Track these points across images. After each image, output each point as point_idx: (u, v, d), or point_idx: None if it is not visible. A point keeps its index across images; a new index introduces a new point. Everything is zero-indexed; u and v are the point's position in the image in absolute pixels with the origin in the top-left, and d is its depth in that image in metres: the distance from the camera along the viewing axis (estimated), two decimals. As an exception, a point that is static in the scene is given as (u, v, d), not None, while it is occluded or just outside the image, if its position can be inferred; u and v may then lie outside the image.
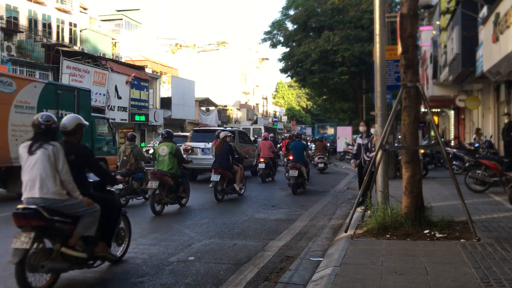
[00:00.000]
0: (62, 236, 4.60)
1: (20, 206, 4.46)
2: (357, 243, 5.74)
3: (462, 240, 5.66)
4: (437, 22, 20.07)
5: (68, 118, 5.04)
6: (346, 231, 6.36)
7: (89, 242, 4.82)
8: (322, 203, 10.59)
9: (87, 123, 5.29)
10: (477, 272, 4.43)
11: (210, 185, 10.73)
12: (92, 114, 14.85)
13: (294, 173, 12.17)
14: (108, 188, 5.48)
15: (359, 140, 9.81)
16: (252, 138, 21.57)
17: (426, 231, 6.01)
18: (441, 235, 5.87)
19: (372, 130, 9.99)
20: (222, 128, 18.16)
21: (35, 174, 4.47)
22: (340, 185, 14.75)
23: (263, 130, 25.73)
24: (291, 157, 13.56)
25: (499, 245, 5.41)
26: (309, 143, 27.30)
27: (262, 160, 15.29)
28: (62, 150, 4.59)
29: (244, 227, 7.69)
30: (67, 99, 12.66)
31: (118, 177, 5.69)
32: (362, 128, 9.78)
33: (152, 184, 8.89)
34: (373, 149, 8.99)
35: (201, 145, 15.28)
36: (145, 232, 7.25)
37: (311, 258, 5.64)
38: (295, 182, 12.22)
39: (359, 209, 7.58)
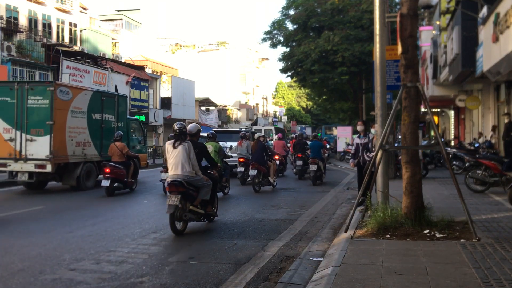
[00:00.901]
0: (191, 199, 7.24)
1: (168, 179, 7.14)
2: (357, 243, 5.74)
3: (462, 240, 5.66)
4: (437, 22, 20.06)
5: (192, 126, 7.88)
6: (346, 231, 6.36)
7: (204, 204, 7.57)
8: (322, 203, 10.59)
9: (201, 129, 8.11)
10: (477, 272, 4.43)
11: (249, 179, 12.79)
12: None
13: (313, 167, 14.40)
14: (209, 172, 8.01)
15: (357, 140, 9.82)
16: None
17: (426, 231, 6.01)
18: (441, 235, 5.87)
19: (372, 130, 9.99)
20: (244, 129, 20.09)
21: (178, 160, 7.15)
22: (340, 185, 14.74)
23: (273, 131, 28.39)
24: (299, 155, 16.20)
25: (499, 245, 5.41)
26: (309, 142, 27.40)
27: (277, 157, 16.05)
28: (192, 146, 7.28)
29: (244, 227, 7.69)
30: (109, 104, 14.47)
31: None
32: (360, 128, 9.79)
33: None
34: (373, 149, 8.99)
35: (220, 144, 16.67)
36: (145, 232, 7.25)
37: (311, 258, 5.64)
38: (314, 175, 14.42)
39: (359, 209, 7.58)
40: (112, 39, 40.63)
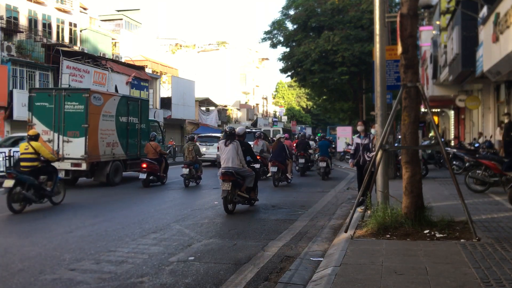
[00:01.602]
0: (239, 186, 9.16)
1: (222, 170, 9.05)
2: (357, 243, 5.74)
3: (462, 240, 5.66)
4: (437, 22, 20.06)
5: (240, 129, 10.02)
6: (346, 231, 6.36)
7: (248, 191, 9.50)
8: (322, 203, 10.59)
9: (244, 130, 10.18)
10: (477, 272, 4.43)
11: (269, 175, 14.59)
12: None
13: (323, 164, 16.22)
14: (252, 165, 10.07)
15: (357, 140, 9.79)
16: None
17: (426, 231, 6.01)
18: (441, 235, 5.87)
19: (372, 130, 9.98)
20: (258, 130, 23.21)
21: (229, 156, 9.18)
22: (340, 185, 14.74)
23: (281, 132, 29.80)
24: (302, 154, 18.13)
25: (499, 245, 5.41)
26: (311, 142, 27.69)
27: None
28: (239, 144, 9.39)
29: (244, 227, 7.69)
30: (134, 108, 15.99)
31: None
32: (360, 128, 9.77)
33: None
34: (373, 149, 8.98)
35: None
36: (145, 232, 7.25)
37: (311, 258, 5.64)
38: (324, 171, 16.27)
39: (359, 209, 7.58)
40: (112, 39, 40.62)
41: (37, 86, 26.52)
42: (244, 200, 9.45)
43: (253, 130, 22.52)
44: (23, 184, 9.28)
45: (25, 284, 4.69)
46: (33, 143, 9.79)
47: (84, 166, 13.41)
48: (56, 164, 12.95)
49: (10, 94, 24.93)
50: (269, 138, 22.83)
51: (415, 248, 5.38)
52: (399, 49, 6.61)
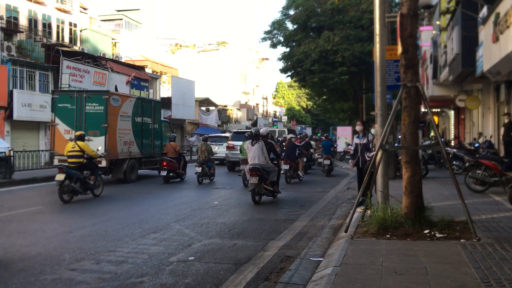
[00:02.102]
0: (264, 180, 10.40)
1: (249, 166, 10.36)
2: (357, 243, 5.74)
3: (462, 240, 5.66)
4: (437, 22, 20.06)
5: (264, 130, 11.53)
6: (346, 231, 6.36)
7: (272, 184, 10.74)
8: (322, 203, 10.59)
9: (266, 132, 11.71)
10: (477, 272, 4.43)
11: (282, 172, 14.89)
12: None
13: (327, 161, 17.90)
14: (274, 162, 11.30)
15: (356, 140, 9.77)
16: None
17: (426, 231, 6.01)
18: (441, 235, 5.87)
19: (372, 131, 9.97)
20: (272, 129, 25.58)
21: (255, 154, 10.50)
22: (340, 185, 14.74)
23: (286, 132, 31.94)
24: (305, 153, 18.65)
25: (499, 245, 5.41)
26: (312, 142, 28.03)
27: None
28: (264, 144, 10.64)
29: (244, 227, 7.69)
30: (147, 109, 16.94)
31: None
32: (358, 128, 9.76)
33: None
34: (373, 149, 8.98)
35: (240, 143, 19.48)
36: (145, 232, 7.25)
37: (311, 258, 5.64)
38: (328, 168, 18.01)
39: (359, 209, 7.58)
40: (112, 39, 40.61)
41: (37, 86, 26.66)
42: (268, 192, 10.72)
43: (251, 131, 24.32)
44: (71, 178, 10.60)
45: (25, 284, 4.69)
46: (79, 142, 11.16)
47: (104, 163, 14.07)
48: None
49: (10, 94, 24.93)
50: (275, 139, 23.40)
51: (415, 248, 5.38)
52: (399, 49, 6.61)
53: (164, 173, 15.18)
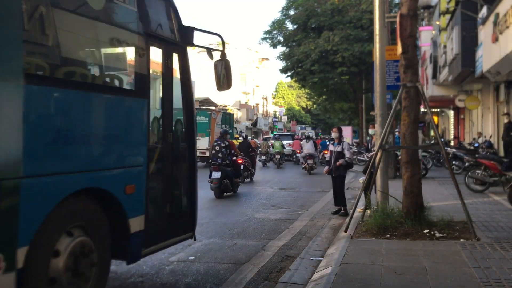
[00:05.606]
0: (314, 161, 18.64)
1: (307, 153, 18.85)
2: (357, 243, 5.75)
3: (461, 240, 5.67)
4: (437, 22, 20.08)
5: (310, 132, 31.25)
6: (346, 231, 6.37)
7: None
8: (322, 203, 10.60)
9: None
10: (476, 272, 4.44)
11: (302, 166, 19.39)
12: None
13: (310, 161, 19.48)
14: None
15: (331, 147, 9.19)
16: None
17: (426, 231, 6.02)
18: (441, 235, 5.88)
19: (370, 131, 9.97)
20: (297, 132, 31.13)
21: (309, 147, 18.86)
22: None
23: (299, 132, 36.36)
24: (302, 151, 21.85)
25: (499, 245, 5.42)
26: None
27: (298, 151, 23.22)
28: (313, 141, 19.81)
29: (244, 227, 7.70)
30: (226, 119, 24.29)
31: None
32: (334, 135, 9.19)
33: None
34: (373, 149, 8.99)
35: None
36: (145, 232, 7.25)
37: (311, 258, 5.65)
38: (310, 167, 19.32)
39: (359, 209, 7.59)
40: (112, 39, 40.54)
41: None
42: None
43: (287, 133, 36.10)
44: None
45: (25, 284, 4.69)
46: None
47: (207, 154, 19.02)
48: None
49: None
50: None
51: (415, 248, 5.39)
52: (399, 49, 6.63)
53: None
